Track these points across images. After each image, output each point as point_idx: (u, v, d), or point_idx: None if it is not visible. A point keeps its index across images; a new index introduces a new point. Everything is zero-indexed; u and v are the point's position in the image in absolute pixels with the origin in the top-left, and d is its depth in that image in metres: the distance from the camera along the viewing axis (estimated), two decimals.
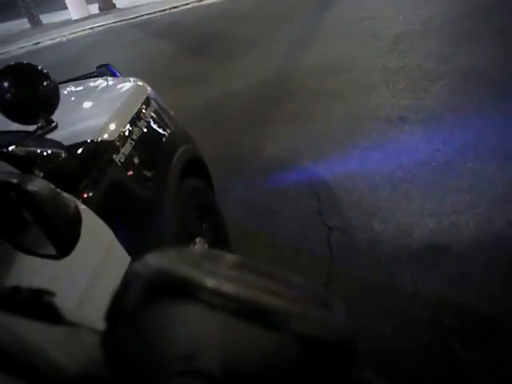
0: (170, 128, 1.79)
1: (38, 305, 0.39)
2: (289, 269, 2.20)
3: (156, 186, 1.49)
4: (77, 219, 0.75)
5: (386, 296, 1.95)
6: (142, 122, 1.62)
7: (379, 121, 3.29)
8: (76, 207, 0.76)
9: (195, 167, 1.89)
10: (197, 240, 1.82)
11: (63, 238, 0.74)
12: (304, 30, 6.11)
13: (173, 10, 10.84)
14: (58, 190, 0.75)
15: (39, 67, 1.11)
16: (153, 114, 1.73)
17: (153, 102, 1.81)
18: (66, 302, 0.87)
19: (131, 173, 1.39)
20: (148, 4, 12.25)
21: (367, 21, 5.63)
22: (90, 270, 1.04)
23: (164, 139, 1.69)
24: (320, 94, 3.97)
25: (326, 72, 4.42)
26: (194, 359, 0.26)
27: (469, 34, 4.31)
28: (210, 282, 0.27)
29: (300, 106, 3.90)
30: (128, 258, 1.19)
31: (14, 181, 0.72)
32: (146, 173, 1.48)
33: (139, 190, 1.40)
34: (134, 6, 12.76)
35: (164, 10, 11.01)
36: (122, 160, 1.38)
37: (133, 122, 1.55)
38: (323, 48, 5.18)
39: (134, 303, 0.28)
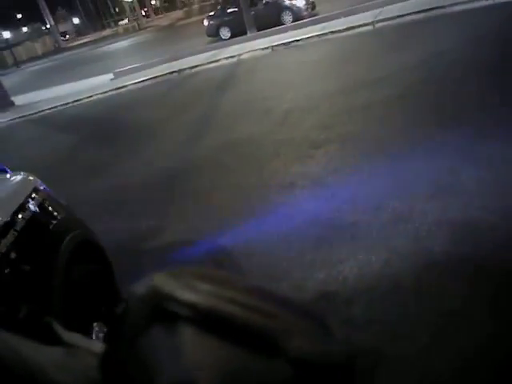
0: (58, 216, 1.86)
1: (37, 324, 0.41)
2: None
3: (43, 274, 1.54)
4: None
5: None
6: (27, 212, 1.68)
7: (273, 188, 3.59)
8: None
9: (88, 252, 1.95)
10: (94, 324, 1.83)
11: None
12: (202, 112, 6.57)
13: (76, 104, 10.98)
14: None
15: None
16: (39, 205, 1.80)
17: (40, 193, 1.88)
18: None
19: (14, 263, 1.43)
20: (49, 99, 12.29)
21: (259, 100, 6.23)
22: None
23: (51, 227, 1.76)
24: (218, 169, 4.25)
25: (224, 148, 4.76)
26: None
27: (343, 107, 4.95)
28: (207, 304, 0.28)
29: (199, 183, 4.13)
30: None
31: None
32: (31, 261, 1.52)
33: (23, 280, 1.44)
34: (34, 102, 12.72)
35: (66, 104, 11.11)
36: (3, 251, 1.42)
37: (16, 213, 1.61)
38: (220, 128, 5.59)
39: (135, 326, 0.29)
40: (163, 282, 0.31)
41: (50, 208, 1.87)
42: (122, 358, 0.29)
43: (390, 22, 8.77)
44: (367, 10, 10.06)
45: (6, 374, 0.30)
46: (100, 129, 7.56)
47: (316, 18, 12.05)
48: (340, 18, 10.69)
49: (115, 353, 0.30)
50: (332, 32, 9.54)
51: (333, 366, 0.28)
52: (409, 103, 4.44)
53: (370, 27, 8.98)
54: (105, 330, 1.88)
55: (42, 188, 1.96)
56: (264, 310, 0.29)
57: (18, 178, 1.97)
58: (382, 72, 5.63)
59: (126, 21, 52.17)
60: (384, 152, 3.57)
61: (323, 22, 10.93)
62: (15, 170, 2.19)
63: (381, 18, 9.07)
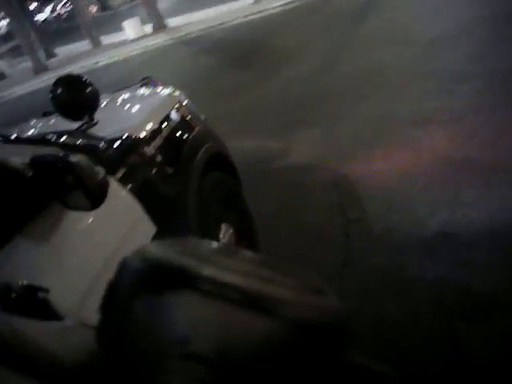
0: (196, 129, 2.07)
1: (33, 301, 0.41)
2: (310, 255, 2.40)
3: (181, 175, 1.77)
4: (104, 183, 1.03)
5: (395, 279, 2.10)
6: (171, 122, 1.91)
7: (405, 122, 3.42)
8: (105, 174, 1.04)
9: (219, 162, 2.15)
10: (222, 225, 2.07)
11: (94, 195, 1.02)
12: (340, 38, 6.30)
13: (220, 27, 11.35)
14: (92, 161, 1.03)
15: (84, 77, 1.42)
16: (181, 117, 2.02)
17: (183, 107, 2.11)
18: (101, 253, 1.15)
19: (159, 163, 1.68)
20: (197, 22, 12.89)
21: (402, 27, 5.74)
22: (121, 233, 1.32)
23: (190, 137, 1.97)
24: (351, 98, 4.15)
25: (359, 77, 4.59)
26: (189, 343, 0.26)
27: (498, 37, 4.32)
28: (204, 270, 0.28)
29: (331, 109, 4.10)
30: (154, 228, 1.46)
31: (61, 154, 1.02)
32: (172, 163, 1.76)
33: (165, 176, 1.68)
34: (184, 25, 13.46)
35: (212, 27, 11.55)
36: (152, 152, 1.67)
37: (163, 123, 1.85)
38: (358, 55, 5.35)
39: (129, 293, 0.29)
40: (159, 249, 0.31)
41: (190, 120, 2.08)
42: (118, 327, 0.29)
43: None
44: None
45: (2, 351, 0.30)
46: (241, 51, 7.78)
47: None
48: None
49: (111, 322, 0.30)
50: None
51: (328, 327, 0.27)
52: None
53: None
54: (230, 230, 2.11)
55: (185, 102, 2.18)
56: (261, 275, 0.29)
57: (166, 91, 2.22)
58: None
59: None
60: None
61: None
62: (164, 84, 2.46)
63: None
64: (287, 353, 0.26)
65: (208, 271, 0.28)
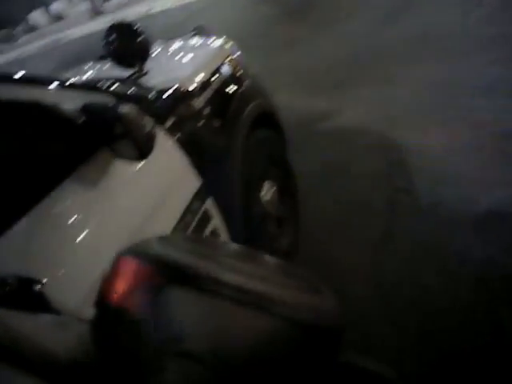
0: (246, 84, 2.02)
1: (27, 294, 0.41)
2: (350, 223, 2.36)
3: (228, 130, 1.74)
4: (152, 135, 1.02)
5: (438, 255, 2.03)
6: (222, 75, 1.87)
7: (464, 90, 3.19)
8: (153, 126, 1.04)
9: (267, 119, 2.11)
10: (265, 183, 2.05)
11: (142, 146, 1.01)
12: None
13: None
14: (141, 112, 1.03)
15: (135, 26, 1.40)
16: (232, 70, 1.97)
17: (234, 59, 2.05)
18: (145, 203, 1.16)
19: (206, 116, 1.65)
20: None
21: None
22: (167, 183, 1.33)
23: (239, 91, 1.93)
24: (408, 61, 3.91)
25: (419, 39, 4.29)
26: (184, 342, 0.26)
27: None
28: (204, 269, 0.28)
29: (385, 71, 3.90)
30: (199, 181, 1.46)
31: (111, 104, 1.01)
32: (219, 117, 1.73)
33: (212, 130, 1.66)
34: None
35: None
36: (201, 105, 1.64)
37: (213, 75, 1.81)
38: (420, 14, 4.99)
39: (125, 290, 0.28)
40: (159, 245, 0.31)
41: (240, 75, 2.02)
42: (113, 322, 0.29)
43: None
44: None
45: None
46: (296, 4, 7.47)
47: None
48: None
49: (106, 317, 0.30)
50: None
51: (324, 327, 0.27)
52: None
53: None
54: (273, 188, 2.09)
55: (236, 54, 2.11)
56: (262, 276, 0.29)
57: (219, 43, 2.16)
58: None
59: None
60: None
61: None
62: (216, 35, 2.39)
63: None
64: (282, 352, 0.26)
65: (208, 270, 0.28)
